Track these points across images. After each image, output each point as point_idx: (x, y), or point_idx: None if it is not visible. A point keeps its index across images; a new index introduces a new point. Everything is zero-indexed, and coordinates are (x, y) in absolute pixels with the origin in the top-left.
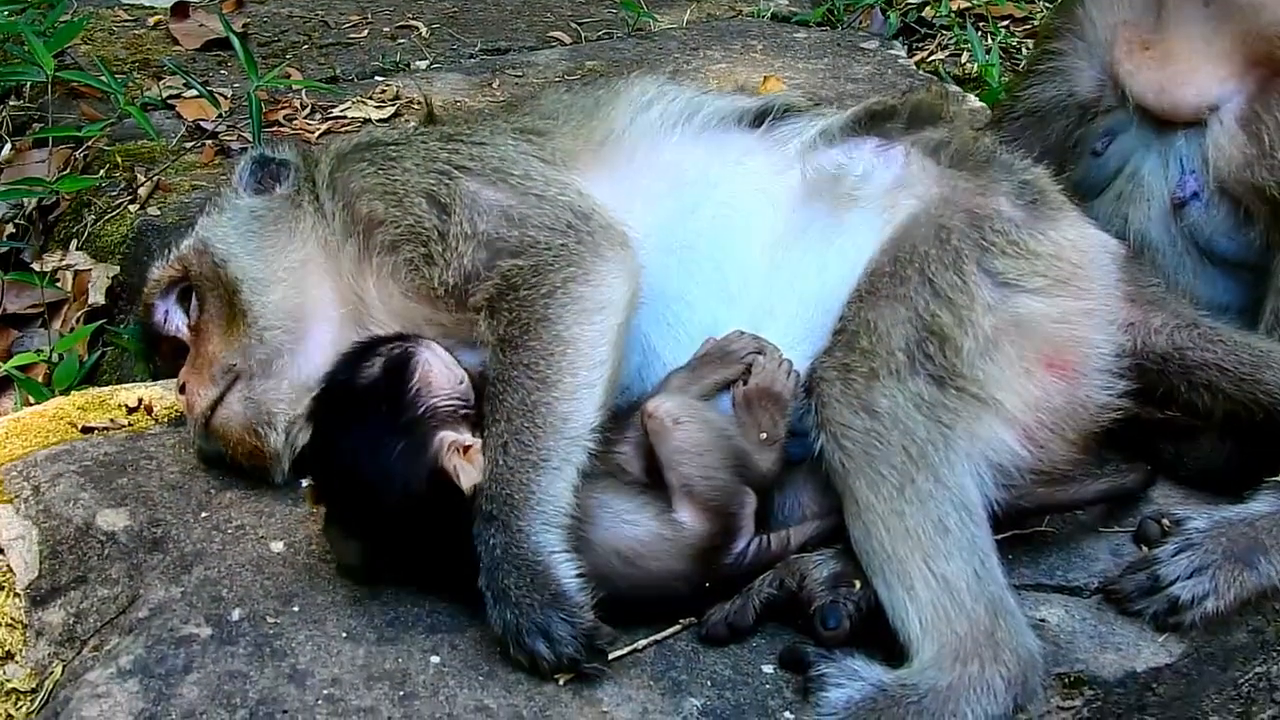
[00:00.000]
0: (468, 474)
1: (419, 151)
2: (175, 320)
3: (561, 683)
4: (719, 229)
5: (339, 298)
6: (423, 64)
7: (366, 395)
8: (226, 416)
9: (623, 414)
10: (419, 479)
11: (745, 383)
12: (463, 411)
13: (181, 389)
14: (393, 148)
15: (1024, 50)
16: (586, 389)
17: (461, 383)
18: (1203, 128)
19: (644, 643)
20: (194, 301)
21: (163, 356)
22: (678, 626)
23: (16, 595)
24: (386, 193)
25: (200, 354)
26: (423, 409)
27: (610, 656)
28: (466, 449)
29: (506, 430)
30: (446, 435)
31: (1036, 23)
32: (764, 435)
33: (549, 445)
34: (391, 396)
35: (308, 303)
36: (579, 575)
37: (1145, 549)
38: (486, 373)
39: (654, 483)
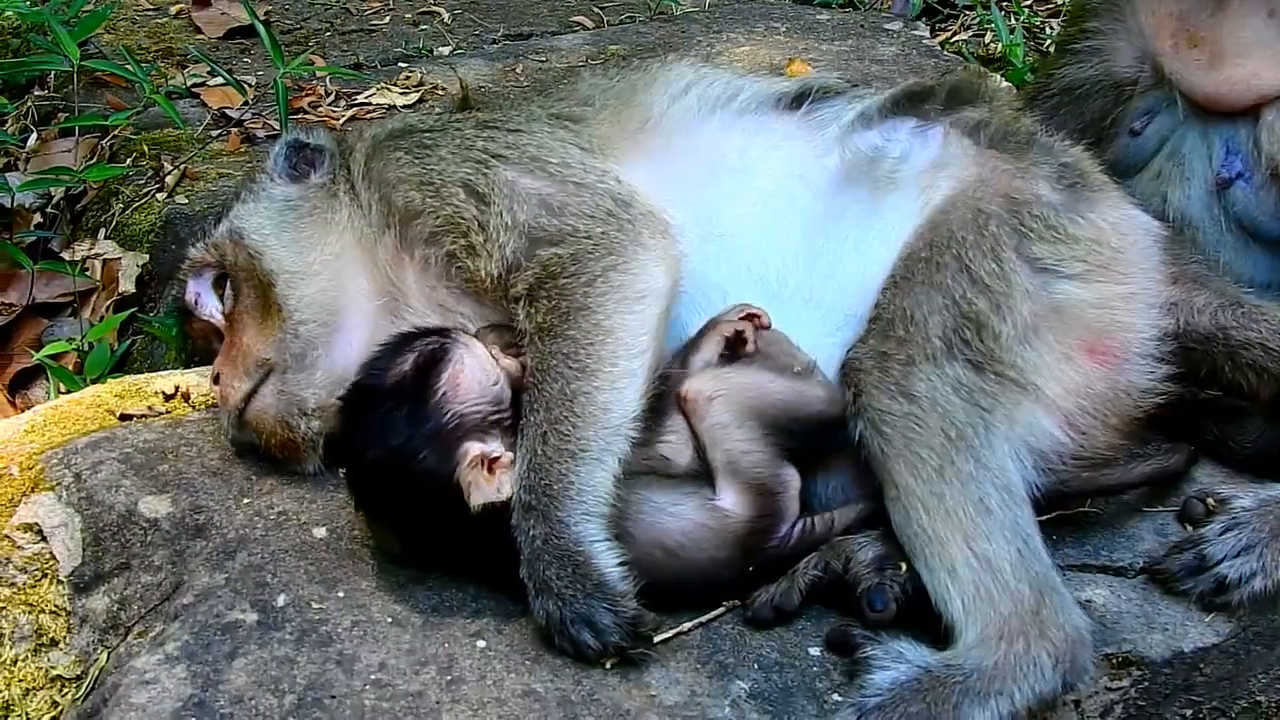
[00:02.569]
0: (480, 492)
1: (454, 139)
2: (209, 305)
3: (608, 666)
4: (758, 216)
5: (375, 289)
6: (445, 50)
7: (395, 393)
8: (260, 409)
9: (660, 406)
10: (442, 487)
11: (741, 345)
12: (493, 417)
13: (215, 379)
14: (428, 135)
15: (1048, 30)
16: (627, 378)
17: (495, 384)
18: (1252, 115)
19: (689, 625)
20: (228, 288)
21: (195, 337)
22: (722, 609)
23: (60, 583)
24: (423, 183)
25: (234, 344)
26: (448, 416)
27: (655, 640)
28: (493, 461)
29: (546, 419)
30: (471, 447)
31: (1060, 1)
32: (797, 368)
33: (589, 435)
34: (417, 398)
35: (343, 295)
36: (621, 564)
37: (1190, 528)
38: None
39: (702, 470)
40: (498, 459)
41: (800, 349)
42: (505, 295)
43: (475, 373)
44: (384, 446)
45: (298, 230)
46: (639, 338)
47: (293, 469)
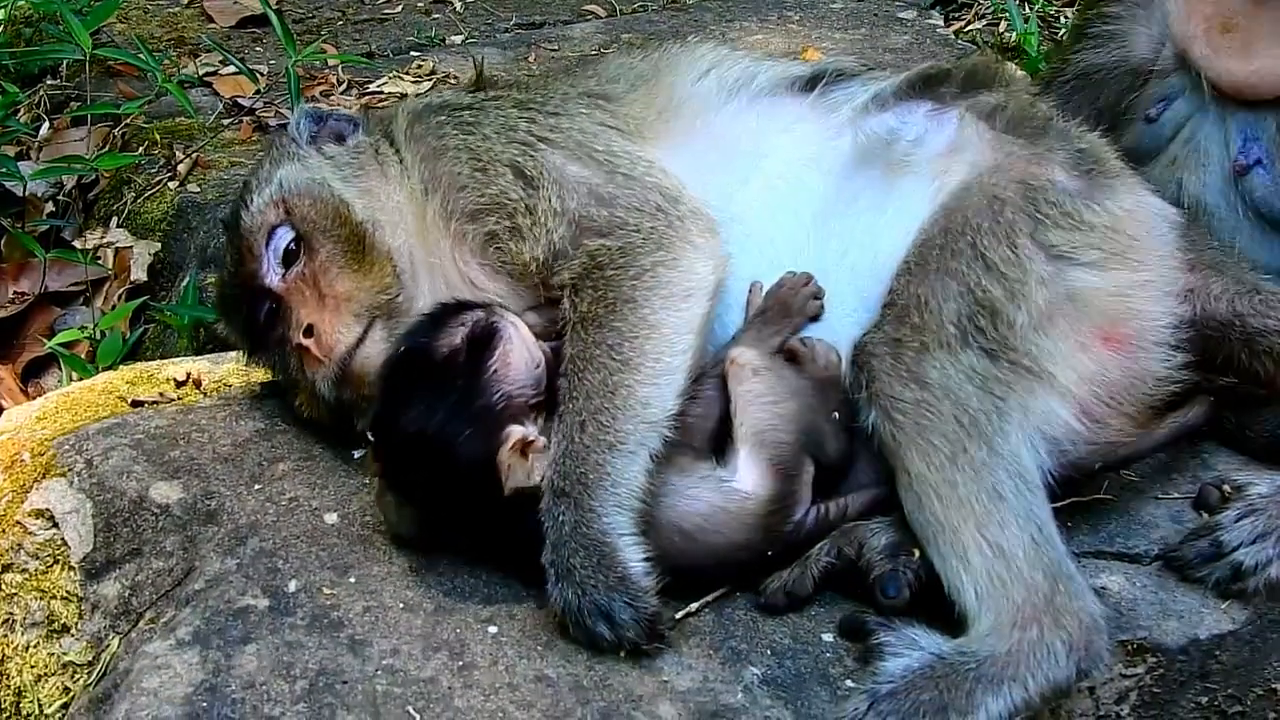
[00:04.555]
0: (515, 476)
1: (496, 119)
2: (274, 272)
3: (621, 655)
4: (771, 200)
5: (426, 248)
6: (458, 39)
7: (445, 367)
8: (367, 356)
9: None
10: (478, 468)
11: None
12: (534, 400)
13: (307, 332)
14: (468, 112)
15: (1062, 19)
16: (668, 375)
17: (538, 366)
18: (1277, 104)
19: (696, 606)
20: (297, 247)
21: (265, 315)
22: (724, 589)
23: (71, 569)
24: (471, 158)
25: (325, 295)
26: (497, 396)
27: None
28: (529, 445)
29: (585, 409)
30: (514, 430)
31: None
32: (836, 414)
33: (626, 428)
34: (469, 375)
35: (417, 242)
36: (646, 559)
37: (1206, 515)
38: (562, 353)
39: (719, 448)
40: (533, 443)
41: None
42: (545, 281)
43: (523, 353)
44: (430, 419)
45: (364, 182)
46: (683, 335)
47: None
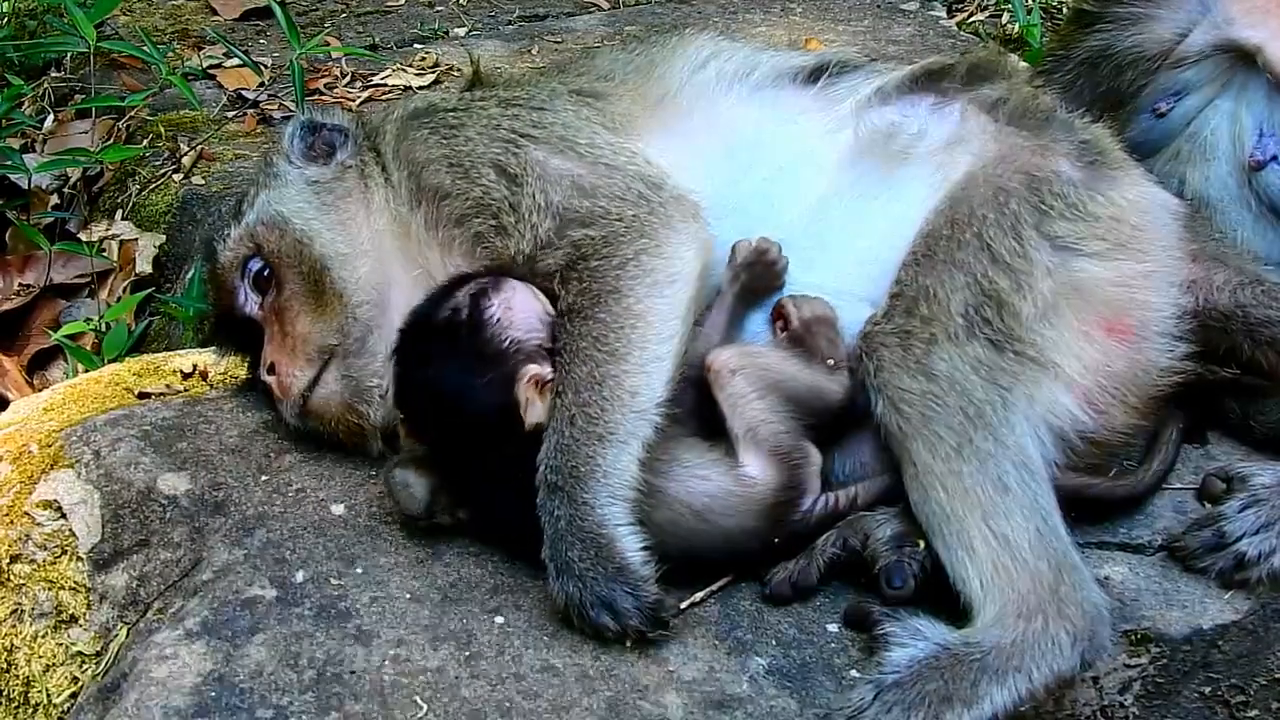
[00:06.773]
0: (534, 412)
1: (479, 119)
2: (249, 299)
3: (627, 645)
4: (770, 191)
5: (410, 263)
6: (461, 31)
7: (452, 324)
8: (325, 396)
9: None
10: (496, 405)
11: (788, 325)
12: (546, 346)
13: (270, 370)
14: (452, 115)
15: (1065, 10)
16: (655, 363)
17: (548, 314)
18: None
19: (700, 595)
20: (269, 279)
21: (242, 339)
22: (729, 578)
23: (79, 559)
24: (453, 164)
25: (287, 333)
26: (507, 341)
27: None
28: (546, 384)
29: (574, 402)
30: (529, 368)
31: None
32: (830, 360)
33: (616, 418)
34: (476, 327)
35: (389, 273)
36: (644, 548)
37: (1209, 505)
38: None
39: (714, 436)
40: (549, 382)
41: (843, 339)
42: (532, 272)
43: (529, 300)
44: (445, 371)
45: (339, 211)
46: (669, 322)
47: (358, 452)
